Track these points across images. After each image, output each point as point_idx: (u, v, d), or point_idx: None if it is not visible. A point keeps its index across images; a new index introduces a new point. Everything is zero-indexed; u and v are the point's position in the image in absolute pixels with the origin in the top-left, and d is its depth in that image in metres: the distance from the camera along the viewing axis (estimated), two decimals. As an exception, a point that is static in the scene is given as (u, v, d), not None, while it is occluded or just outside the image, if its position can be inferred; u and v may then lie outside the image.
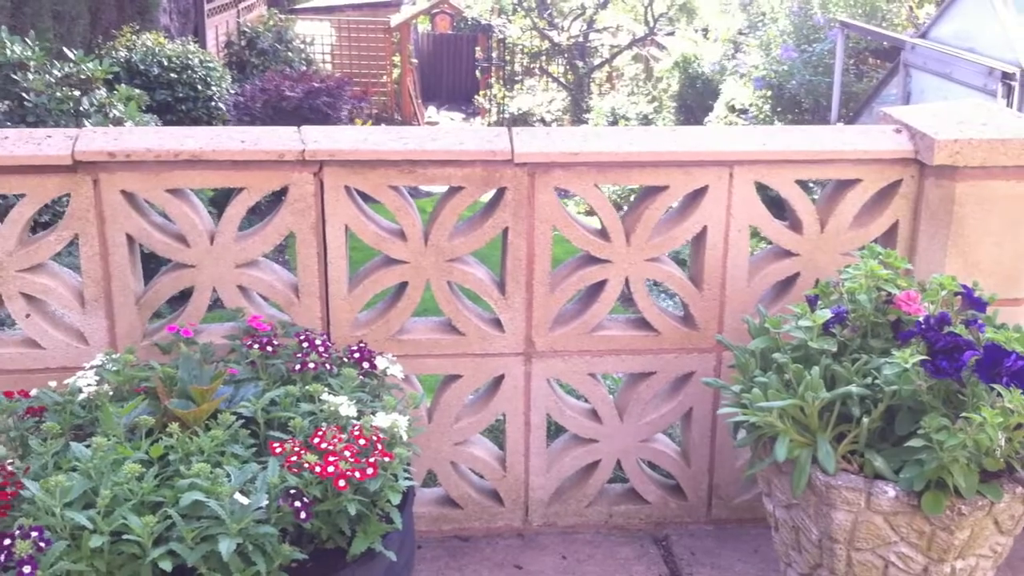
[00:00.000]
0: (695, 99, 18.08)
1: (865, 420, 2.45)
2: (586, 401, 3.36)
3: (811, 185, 7.40)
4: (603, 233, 3.14)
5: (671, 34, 20.78)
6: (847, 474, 2.45)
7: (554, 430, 3.41)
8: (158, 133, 2.92)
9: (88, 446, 2.24)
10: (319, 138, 2.96)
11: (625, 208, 3.33)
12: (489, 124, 21.17)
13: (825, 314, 2.59)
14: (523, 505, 3.32)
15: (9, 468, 2.28)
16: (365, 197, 3.05)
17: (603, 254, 3.14)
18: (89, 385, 2.50)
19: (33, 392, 2.50)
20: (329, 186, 2.96)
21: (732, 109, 15.84)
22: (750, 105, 15.22)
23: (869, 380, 2.48)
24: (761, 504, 2.86)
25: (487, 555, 3.19)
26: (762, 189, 3.15)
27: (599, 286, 3.20)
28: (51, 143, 2.79)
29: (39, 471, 2.25)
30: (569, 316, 3.23)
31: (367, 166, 2.95)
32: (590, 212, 3.65)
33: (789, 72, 13.45)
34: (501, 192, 3.06)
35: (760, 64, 14.75)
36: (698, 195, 3.13)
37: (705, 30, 20.52)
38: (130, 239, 2.91)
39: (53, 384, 2.53)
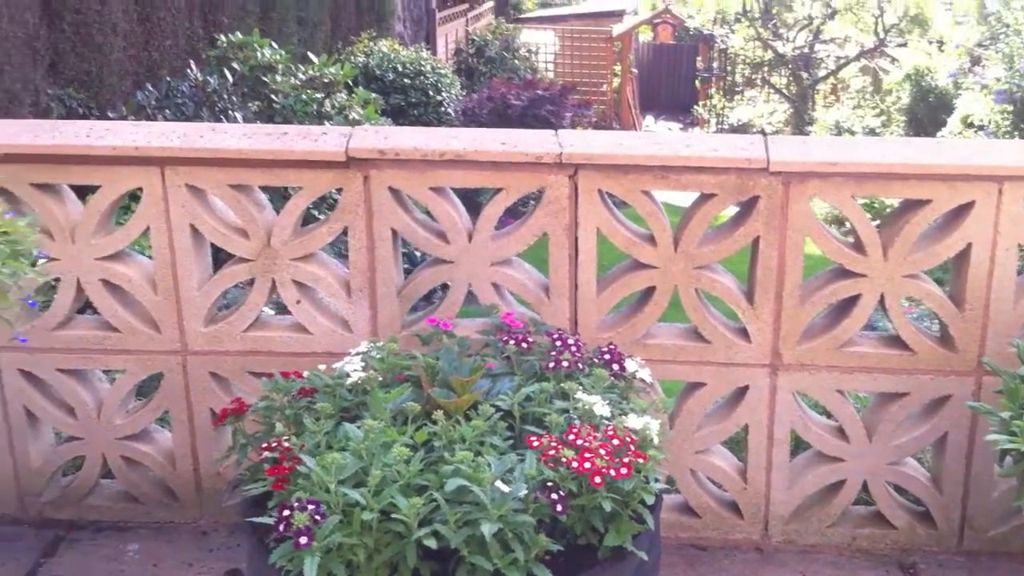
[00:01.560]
0: (927, 113, 17.30)
1: None
2: (830, 417, 3.28)
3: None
4: (858, 246, 3.06)
5: (902, 46, 19.97)
6: None
7: (794, 445, 3.34)
8: (424, 133, 3.04)
9: (359, 428, 2.35)
10: (575, 142, 3.00)
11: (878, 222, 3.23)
12: (708, 134, 20.91)
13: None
14: (763, 519, 3.27)
15: (286, 444, 2.42)
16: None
17: (858, 268, 3.05)
18: (356, 370, 2.62)
19: (305, 374, 2.64)
20: (583, 189, 3.00)
21: (968, 124, 15.08)
22: (988, 121, 14.45)
23: None
24: (1020, 537, 2.72)
25: (724, 566, 3.16)
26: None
27: (851, 300, 3.11)
28: (327, 140, 2.94)
29: (312, 449, 2.38)
30: (818, 330, 3.16)
31: (621, 170, 2.98)
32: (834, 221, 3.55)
33: (1033, 85, 12.69)
34: (753, 201, 3.02)
35: (1002, 77, 13.97)
36: (962, 211, 3.00)
37: (940, 42, 19.62)
38: (394, 233, 3.04)
39: (323, 367, 2.67)
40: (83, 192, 3.06)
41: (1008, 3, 13.64)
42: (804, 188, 2.99)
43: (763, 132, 20.48)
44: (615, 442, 2.37)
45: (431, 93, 12.09)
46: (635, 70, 22.30)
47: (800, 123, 19.75)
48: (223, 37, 8.48)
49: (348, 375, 2.62)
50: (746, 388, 3.17)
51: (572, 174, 2.98)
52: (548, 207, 3.02)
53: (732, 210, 3.15)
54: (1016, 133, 14.04)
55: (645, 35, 24.78)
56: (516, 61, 17.25)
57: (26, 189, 2.90)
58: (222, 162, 2.91)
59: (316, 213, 5.81)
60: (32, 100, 6.65)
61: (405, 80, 11.88)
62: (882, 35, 19.41)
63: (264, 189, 3.12)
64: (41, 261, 2.23)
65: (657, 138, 3.07)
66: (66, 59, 7.04)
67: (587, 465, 2.27)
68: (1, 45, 6.27)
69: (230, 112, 7.87)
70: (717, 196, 3.01)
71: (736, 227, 3.06)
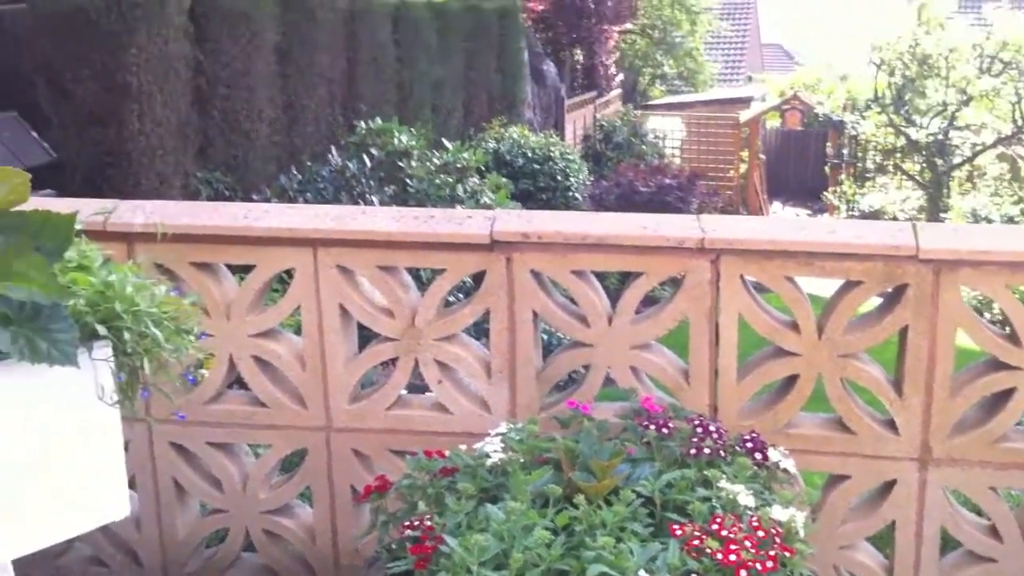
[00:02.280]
0: (1070, 199, 16.76)
1: None
2: (980, 515, 3.14)
3: None
4: (1013, 338, 2.95)
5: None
6: None
7: (942, 543, 3.20)
8: (566, 217, 3.08)
9: (500, 509, 2.35)
10: (717, 227, 2.99)
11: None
12: (853, 221, 20.59)
13: None
14: (910, 620, 3.13)
15: (428, 523, 2.43)
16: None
17: (1013, 360, 2.94)
18: (496, 451, 2.63)
19: (447, 453, 2.66)
20: (725, 274, 2.98)
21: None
22: None
23: None
24: None
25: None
26: None
27: (1006, 394, 2.99)
28: (472, 223, 3.00)
29: (454, 529, 2.38)
30: (970, 423, 3.04)
31: (764, 256, 2.95)
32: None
33: None
34: (901, 289, 2.95)
35: None
36: (1125, 302, 2.88)
37: (1084, 129, 19.05)
38: (534, 315, 3.07)
39: (463, 447, 2.69)
40: (234, 271, 3.18)
41: None
42: (955, 276, 2.91)
43: (895, 219, 20.09)
44: (760, 534, 2.31)
45: (559, 178, 12.25)
46: (762, 156, 22.18)
47: (935, 210, 19.29)
48: (362, 124, 8.79)
49: (488, 456, 2.63)
50: (893, 482, 3.06)
51: (714, 259, 2.97)
52: (689, 292, 3.01)
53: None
54: None
55: (773, 121, 24.68)
56: (643, 146, 17.36)
57: (186, 267, 3.02)
58: (371, 244, 2.99)
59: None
60: (182, 183, 6.98)
61: (534, 165, 12.07)
62: (1019, 122, 18.90)
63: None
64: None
65: (801, 223, 3.04)
66: (215, 144, 7.39)
67: (732, 557, 2.22)
68: (155, 130, 6.61)
69: (367, 196, 8.11)
70: (864, 284, 2.96)
71: (883, 315, 2.99)
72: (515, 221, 3.02)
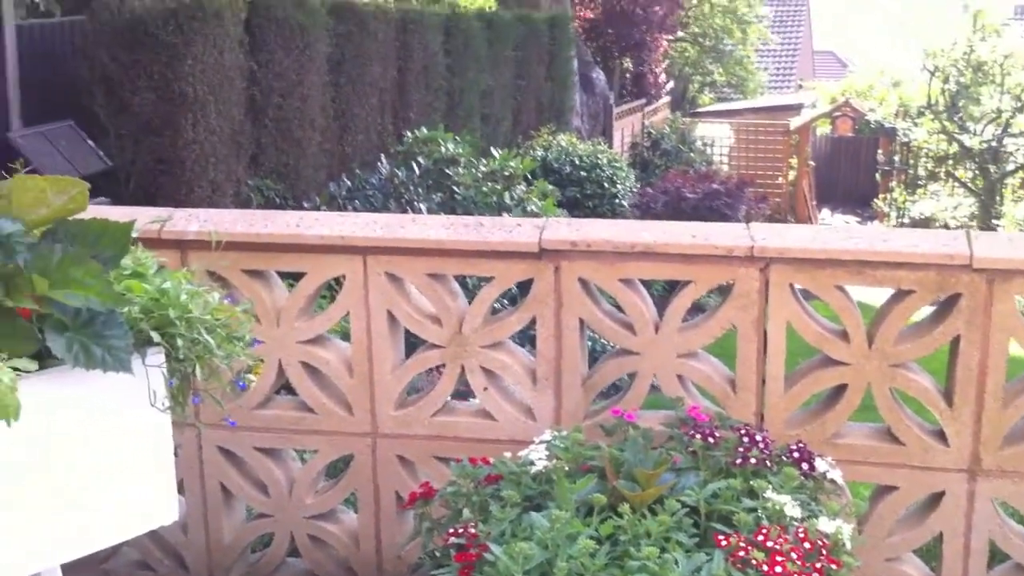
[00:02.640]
0: None
1: None
2: (1029, 528, 3.10)
3: None
4: (1067, 348, 2.91)
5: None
6: None
7: (990, 556, 3.15)
8: (614, 225, 3.08)
9: (545, 517, 2.36)
10: (768, 235, 2.98)
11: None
12: (905, 229, 20.36)
13: None
14: (961, 634, 3.09)
15: (472, 531, 2.44)
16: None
17: (1066, 371, 2.90)
18: (540, 459, 2.64)
19: (491, 461, 2.67)
20: (774, 283, 2.96)
21: None
22: None
23: None
24: None
25: None
26: None
27: (1057, 405, 2.95)
28: (521, 231, 3.02)
29: (498, 537, 2.39)
30: (1021, 434, 3.00)
31: (815, 265, 2.94)
32: None
33: None
34: (954, 298, 2.92)
35: None
36: None
37: None
38: (581, 323, 3.07)
39: (508, 455, 2.70)
40: (284, 277, 3.22)
41: None
42: (1009, 287, 2.88)
43: (946, 227, 19.82)
44: (807, 546, 2.30)
45: (606, 185, 12.24)
46: (812, 163, 22.00)
47: (987, 217, 19.01)
48: (410, 133, 8.85)
49: (533, 463, 2.64)
50: (942, 494, 3.02)
51: (763, 267, 2.96)
52: (737, 300, 3.00)
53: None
54: None
55: (823, 128, 24.46)
56: (691, 154, 17.30)
57: (238, 275, 3.06)
58: (421, 252, 3.02)
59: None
60: (234, 190, 7.07)
61: (581, 173, 12.08)
62: (1076, 128, 18.64)
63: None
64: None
65: (852, 231, 3.02)
66: (267, 152, 7.48)
67: (778, 569, 2.21)
68: (209, 139, 6.71)
69: (415, 203, 8.17)
70: (916, 293, 2.93)
71: (935, 325, 2.96)
72: (564, 229, 3.03)
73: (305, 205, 7.60)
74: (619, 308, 3.09)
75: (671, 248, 2.96)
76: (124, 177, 6.50)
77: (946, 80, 19.47)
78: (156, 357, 2.09)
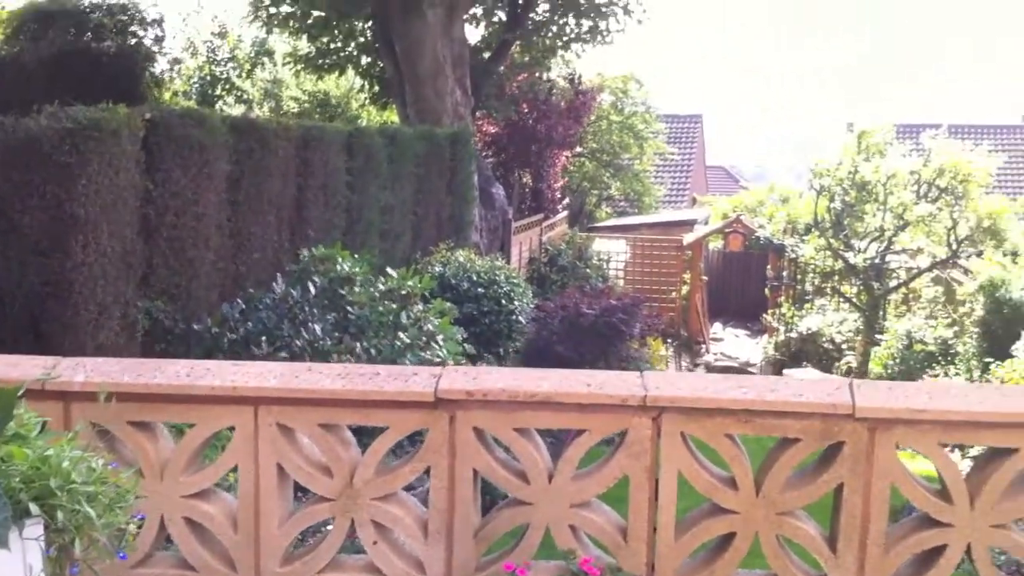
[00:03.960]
0: (1002, 326, 17.10)
1: None
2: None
3: None
4: (944, 495, 3.00)
5: (978, 255, 19.95)
6: None
7: None
8: (511, 375, 3.10)
9: None
10: (660, 384, 3.03)
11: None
12: (776, 343, 20.84)
13: None
14: None
15: None
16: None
17: (944, 517, 3.00)
18: (434, 617, 2.60)
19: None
20: (666, 431, 3.01)
21: (1045, 339, 14.87)
22: (1067, 336, 14.25)
23: None
24: None
25: None
26: None
27: (937, 550, 3.03)
28: (417, 380, 3.01)
29: None
30: (905, 581, 3.07)
31: (705, 414, 2.99)
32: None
33: (1116, 306, 12.53)
34: (838, 446, 3.00)
35: (1080, 295, 13.85)
36: (1053, 461, 2.95)
37: (1015, 254, 19.59)
38: (475, 473, 3.06)
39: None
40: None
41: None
42: (890, 435, 2.97)
43: (833, 341, 20.39)
44: None
45: (504, 302, 12.29)
46: (705, 277, 22.53)
47: (871, 332, 19.60)
48: (307, 251, 8.79)
49: (426, 622, 2.60)
50: (832, 641, 3.06)
51: (656, 416, 3.00)
52: (630, 448, 3.03)
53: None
54: (1097, 350, 13.81)
55: (715, 243, 25.13)
56: (588, 270, 17.55)
57: (123, 427, 2.99)
58: (315, 402, 2.99)
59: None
60: (122, 312, 6.89)
61: (479, 289, 12.11)
62: (954, 246, 19.44)
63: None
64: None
65: (742, 381, 3.08)
66: (158, 272, 7.33)
67: None
68: (99, 260, 6.55)
69: (309, 323, 8.06)
70: (802, 441, 3.00)
71: (820, 472, 3.03)
72: (461, 379, 3.04)
73: (195, 327, 7.44)
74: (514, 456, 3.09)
75: (567, 397, 2.99)
76: (10, 299, 6.30)
77: (832, 199, 20.20)
78: (35, 529, 2.01)
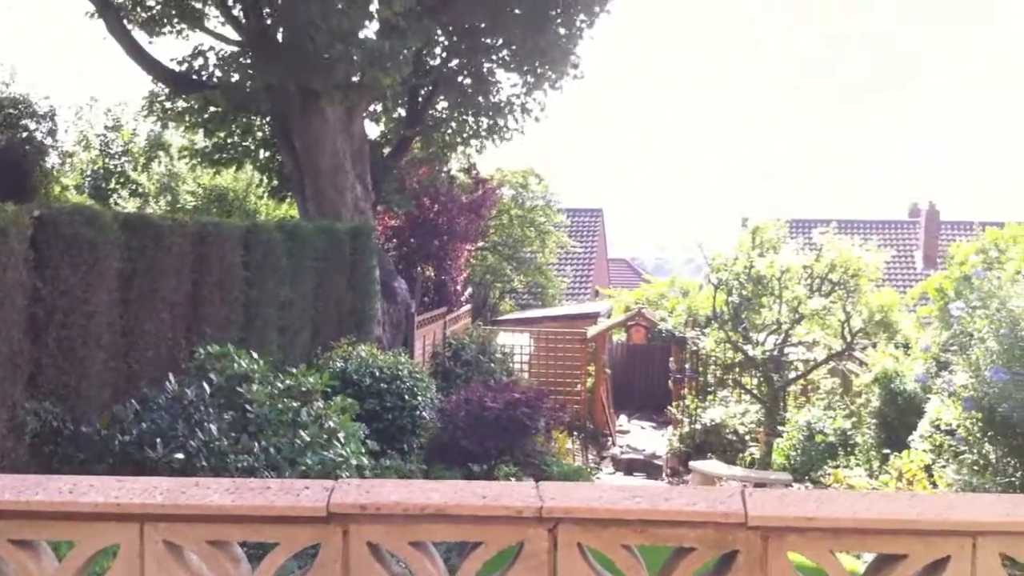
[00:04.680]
0: (897, 416, 17.55)
1: None
2: None
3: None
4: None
5: (872, 346, 20.51)
6: None
7: None
8: (405, 487, 3.05)
9: None
10: (556, 495, 3.02)
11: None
12: (681, 435, 21.04)
13: None
14: None
15: None
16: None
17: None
18: None
19: None
20: (563, 543, 2.99)
21: (938, 428, 15.27)
22: (958, 426, 14.64)
23: None
24: None
25: None
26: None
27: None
28: (309, 495, 2.95)
29: None
30: None
31: (600, 524, 2.99)
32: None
33: (1000, 394, 12.96)
34: (733, 555, 3.01)
35: (969, 384, 14.28)
36: (938, 566, 3.00)
37: (906, 345, 20.18)
38: (370, 588, 2.99)
39: None
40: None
41: (972, 311, 14.14)
42: (782, 543, 2.99)
43: (736, 432, 20.67)
44: None
45: (407, 397, 12.21)
46: (608, 370, 22.72)
47: (772, 424, 19.93)
48: (203, 348, 8.64)
49: None
50: None
51: (552, 527, 2.98)
52: (527, 561, 3.00)
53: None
54: (985, 440, 14.21)
55: (619, 336, 25.41)
56: (492, 364, 17.57)
57: (4, 545, 2.86)
58: (204, 518, 2.90)
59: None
60: (9, 415, 6.67)
61: (382, 385, 12.02)
62: (848, 338, 19.97)
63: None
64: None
65: (637, 491, 3.09)
66: (46, 372, 7.12)
67: None
68: (-15, 363, 6.35)
69: (205, 423, 7.89)
70: (697, 550, 3.01)
71: (716, 582, 3.04)
72: (353, 492, 2.99)
73: (84, 429, 7.22)
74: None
75: (462, 509, 2.96)
76: None
77: (730, 292, 20.64)
78: None
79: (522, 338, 21.25)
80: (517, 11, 16.12)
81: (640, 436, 23.27)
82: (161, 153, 20.69)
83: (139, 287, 8.38)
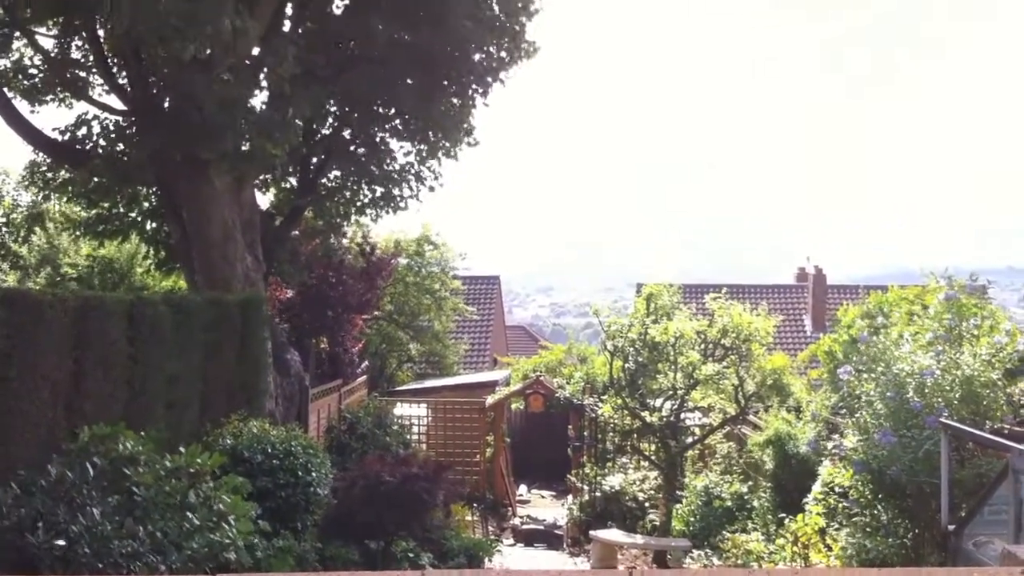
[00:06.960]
0: (790, 479, 17.75)
1: None
2: None
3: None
4: None
5: (765, 410, 20.80)
6: None
7: None
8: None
9: None
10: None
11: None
12: (581, 503, 20.95)
13: None
14: None
15: None
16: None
17: None
18: None
19: None
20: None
21: (831, 491, 15.45)
22: (850, 488, 14.85)
23: None
24: None
25: None
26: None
27: None
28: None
29: None
30: None
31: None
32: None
33: (889, 457, 13.20)
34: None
35: (858, 447, 14.53)
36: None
37: (798, 408, 20.53)
38: None
39: None
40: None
41: (859, 375, 14.43)
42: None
43: (636, 499, 20.66)
44: None
45: (300, 473, 11.86)
46: (508, 439, 22.57)
47: (671, 489, 19.98)
48: (85, 428, 8.27)
49: None
50: None
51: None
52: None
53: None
54: (877, 502, 14.43)
55: (517, 404, 25.32)
56: (388, 437, 17.28)
57: None
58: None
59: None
60: None
61: (274, 461, 11.66)
62: (743, 403, 20.20)
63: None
64: None
65: None
66: (-90, 459, 6.70)
67: None
68: None
69: (87, 507, 7.52)
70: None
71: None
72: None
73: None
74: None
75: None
76: None
77: (626, 359, 20.73)
78: None
79: (420, 409, 21.00)
80: (409, 81, 16.13)
81: (541, 505, 23.11)
82: (38, 228, 20.04)
83: (16, 365, 7.99)
